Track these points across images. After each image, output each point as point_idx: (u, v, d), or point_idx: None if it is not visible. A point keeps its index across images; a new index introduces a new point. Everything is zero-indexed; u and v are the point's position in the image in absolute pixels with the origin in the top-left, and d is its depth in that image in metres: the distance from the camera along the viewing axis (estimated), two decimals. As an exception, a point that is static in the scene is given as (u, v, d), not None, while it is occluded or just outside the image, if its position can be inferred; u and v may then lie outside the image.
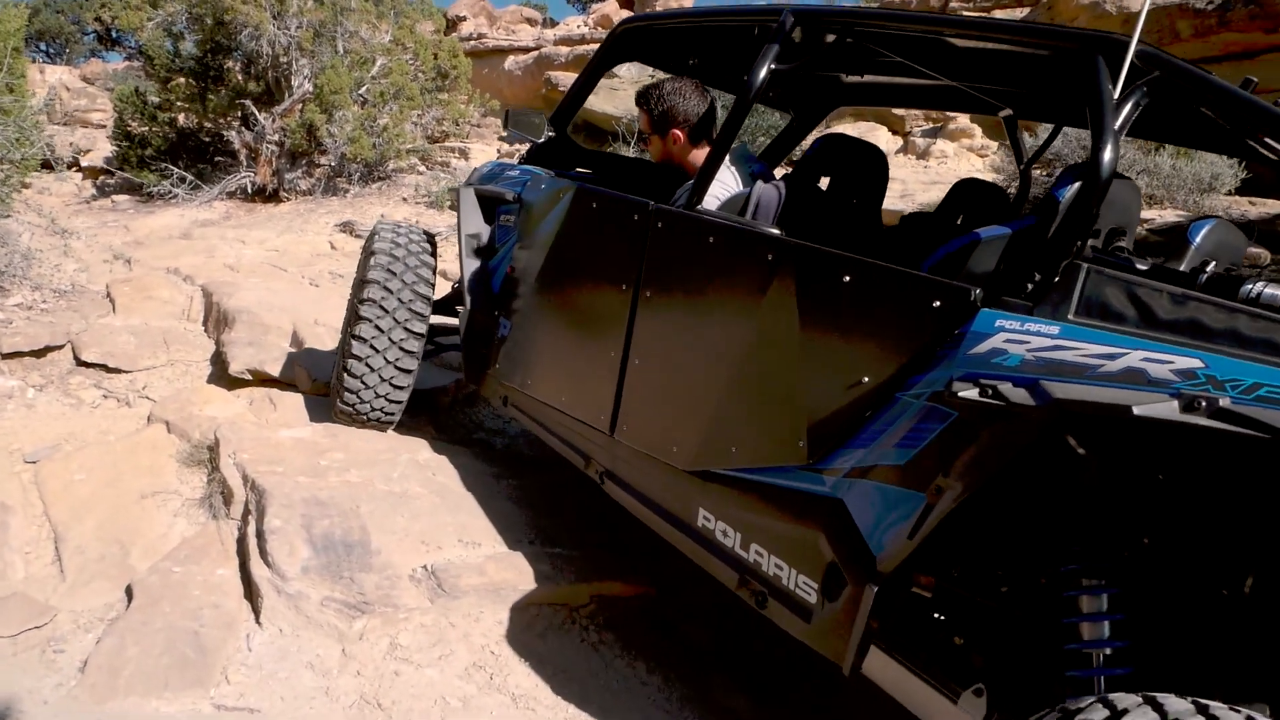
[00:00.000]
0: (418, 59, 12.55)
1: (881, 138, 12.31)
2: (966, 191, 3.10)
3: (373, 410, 3.59)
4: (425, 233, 3.83)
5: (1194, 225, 2.20)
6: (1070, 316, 1.71)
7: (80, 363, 4.81)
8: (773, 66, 2.52)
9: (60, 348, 4.84)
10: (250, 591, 2.77)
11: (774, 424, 2.24)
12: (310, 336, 4.88)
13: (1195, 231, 2.16)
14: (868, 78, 3.39)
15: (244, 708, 2.38)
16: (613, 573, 3.18)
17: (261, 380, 4.46)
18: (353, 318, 3.58)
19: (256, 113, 11.63)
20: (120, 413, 4.20)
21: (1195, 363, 1.50)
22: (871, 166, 2.83)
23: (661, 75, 3.45)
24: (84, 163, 13.56)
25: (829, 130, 3.59)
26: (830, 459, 2.05)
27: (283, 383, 4.43)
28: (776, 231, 2.39)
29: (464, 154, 13.40)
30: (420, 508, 3.14)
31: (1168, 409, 1.43)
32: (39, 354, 4.77)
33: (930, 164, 11.43)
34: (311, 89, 11.53)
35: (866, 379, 1.98)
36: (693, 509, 2.46)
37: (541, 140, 3.71)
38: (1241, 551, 1.61)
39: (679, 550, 2.60)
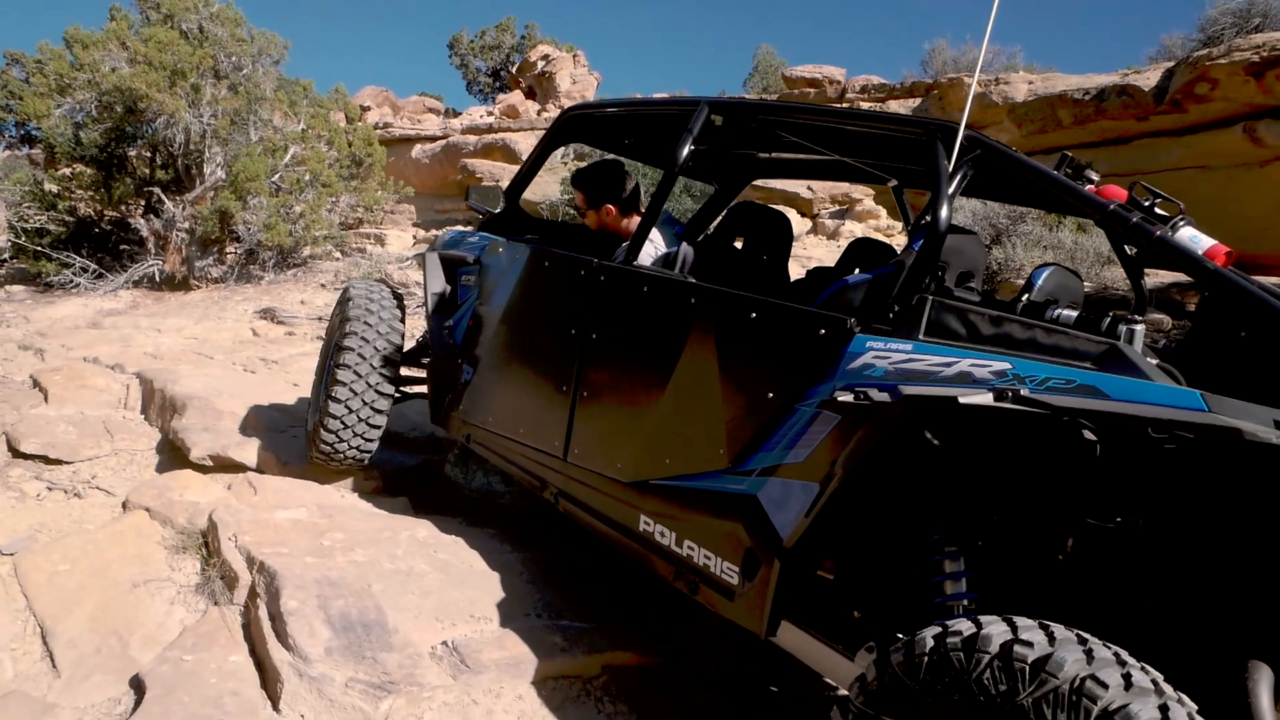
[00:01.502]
0: (333, 146, 12.56)
1: (792, 219, 12.92)
2: (861, 248, 3.65)
3: (349, 450, 3.86)
4: (394, 291, 4.18)
5: (1036, 271, 2.65)
6: (920, 336, 2.17)
7: (17, 454, 4.55)
8: (691, 147, 2.98)
9: (-7, 440, 4.58)
10: (266, 678, 2.67)
11: (700, 437, 2.61)
12: (268, 420, 4.76)
13: (1037, 276, 2.60)
14: (777, 154, 3.94)
15: (284, 796, 2.28)
16: (621, 643, 3.18)
17: (224, 466, 4.31)
18: (331, 368, 3.89)
19: (165, 200, 11.37)
20: (75, 504, 3.99)
21: (1006, 365, 1.95)
22: (777, 229, 3.34)
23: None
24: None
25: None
26: (746, 463, 2.44)
27: (247, 468, 4.30)
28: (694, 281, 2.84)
29: (380, 240, 13.35)
30: (429, 585, 3.10)
31: (984, 398, 1.84)
32: (-30, 448, 4.50)
33: (840, 242, 12.02)
34: (225, 176, 11.36)
35: (771, 395, 2.39)
36: (635, 516, 2.82)
37: (498, 210, 4.08)
38: (1064, 520, 2.04)
39: (624, 554, 2.93)
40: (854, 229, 12.30)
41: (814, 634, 2.28)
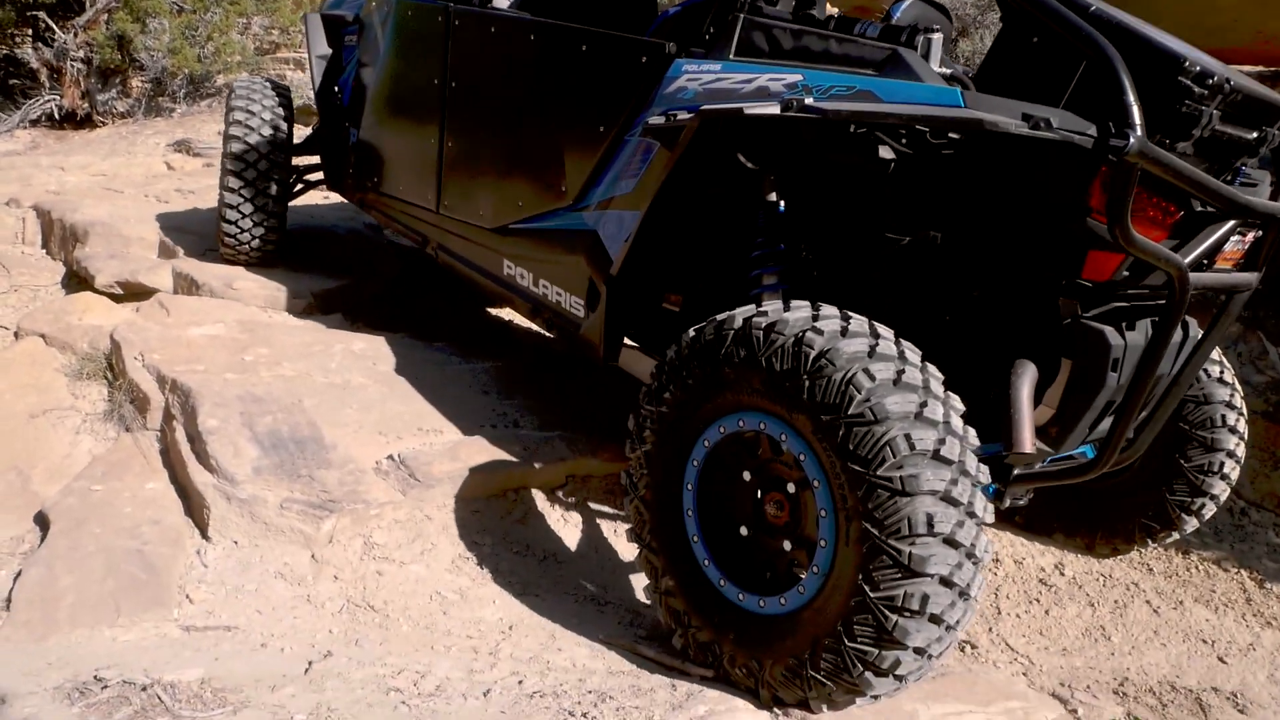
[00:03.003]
0: (236, -41, 11.31)
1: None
2: None
3: (252, 242, 3.86)
4: (275, 84, 4.11)
5: (894, 5, 2.58)
6: (730, 56, 2.18)
7: (-104, 297, 4.08)
8: None
9: (-128, 280, 4.08)
10: (191, 505, 2.39)
11: (546, 177, 2.67)
12: (185, 244, 4.31)
13: (895, 10, 2.53)
14: None
15: (219, 626, 2.04)
16: (584, 450, 2.96)
17: (134, 293, 3.89)
18: (222, 165, 3.92)
19: (54, 26, 10.24)
20: (-32, 341, 3.57)
21: (798, 77, 1.96)
22: None
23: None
24: None
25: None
26: (586, 198, 2.51)
27: (160, 292, 3.88)
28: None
29: (301, 65, 12.32)
30: (369, 398, 2.80)
31: (770, 108, 1.89)
32: None
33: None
34: (117, -5, 10.21)
35: (603, 128, 2.43)
36: (499, 261, 2.92)
37: None
38: (868, 236, 2.13)
39: (494, 298, 3.15)
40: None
41: (654, 356, 2.38)
